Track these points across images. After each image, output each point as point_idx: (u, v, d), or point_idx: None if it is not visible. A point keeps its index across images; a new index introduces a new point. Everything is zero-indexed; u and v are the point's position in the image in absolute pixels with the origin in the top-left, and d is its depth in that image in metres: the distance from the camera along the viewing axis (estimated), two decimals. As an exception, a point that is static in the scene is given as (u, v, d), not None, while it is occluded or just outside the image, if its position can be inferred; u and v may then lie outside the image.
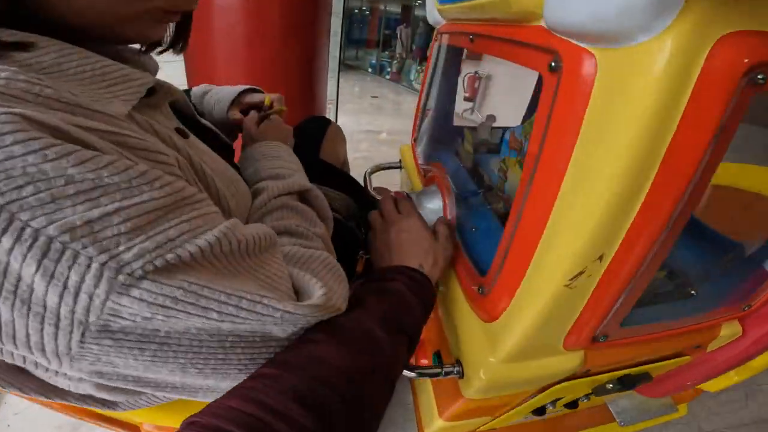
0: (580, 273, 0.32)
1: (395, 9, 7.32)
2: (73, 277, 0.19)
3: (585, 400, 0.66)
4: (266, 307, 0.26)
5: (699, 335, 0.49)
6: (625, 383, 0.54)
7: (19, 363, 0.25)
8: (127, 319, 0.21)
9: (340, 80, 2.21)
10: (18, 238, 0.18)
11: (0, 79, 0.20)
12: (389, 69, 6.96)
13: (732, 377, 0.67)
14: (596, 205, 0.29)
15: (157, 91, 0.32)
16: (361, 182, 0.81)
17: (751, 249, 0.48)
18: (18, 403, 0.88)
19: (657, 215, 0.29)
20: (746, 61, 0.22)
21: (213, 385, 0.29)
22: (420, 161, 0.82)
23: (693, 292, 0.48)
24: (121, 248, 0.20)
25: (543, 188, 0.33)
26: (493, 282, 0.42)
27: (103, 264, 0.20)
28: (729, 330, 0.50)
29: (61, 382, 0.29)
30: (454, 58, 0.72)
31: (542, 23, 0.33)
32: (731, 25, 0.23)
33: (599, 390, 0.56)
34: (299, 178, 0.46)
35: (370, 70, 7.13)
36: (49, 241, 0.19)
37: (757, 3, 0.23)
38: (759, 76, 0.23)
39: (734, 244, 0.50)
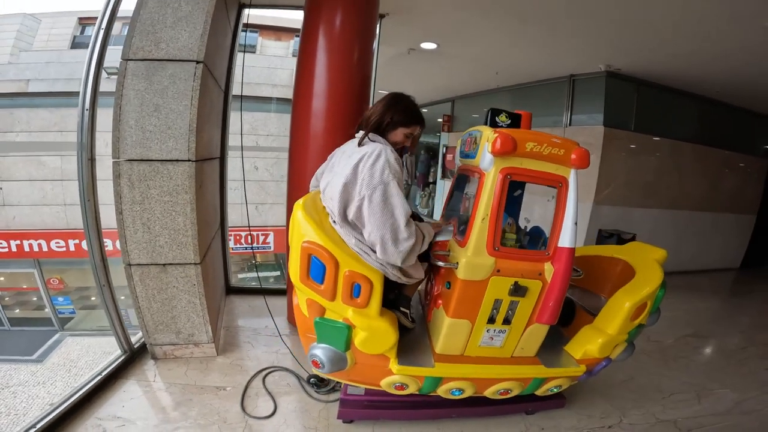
0: (483, 219, 1.38)
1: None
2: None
3: (511, 314, 1.55)
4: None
5: (537, 264, 1.47)
6: (517, 288, 1.47)
7: None
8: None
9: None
10: (391, 181, 1.34)
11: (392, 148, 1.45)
12: (397, 196, 8.20)
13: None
14: (485, 210, 1.39)
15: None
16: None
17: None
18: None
19: (493, 214, 1.39)
20: (506, 173, 1.37)
21: None
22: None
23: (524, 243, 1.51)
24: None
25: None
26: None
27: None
28: (549, 267, 1.47)
29: None
30: (462, 179, 1.90)
31: (480, 167, 1.47)
32: (502, 167, 1.38)
33: (510, 291, 1.48)
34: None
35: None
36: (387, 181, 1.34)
37: (508, 161, 1.38)
38: (508, 176, 1.36)
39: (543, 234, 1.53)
